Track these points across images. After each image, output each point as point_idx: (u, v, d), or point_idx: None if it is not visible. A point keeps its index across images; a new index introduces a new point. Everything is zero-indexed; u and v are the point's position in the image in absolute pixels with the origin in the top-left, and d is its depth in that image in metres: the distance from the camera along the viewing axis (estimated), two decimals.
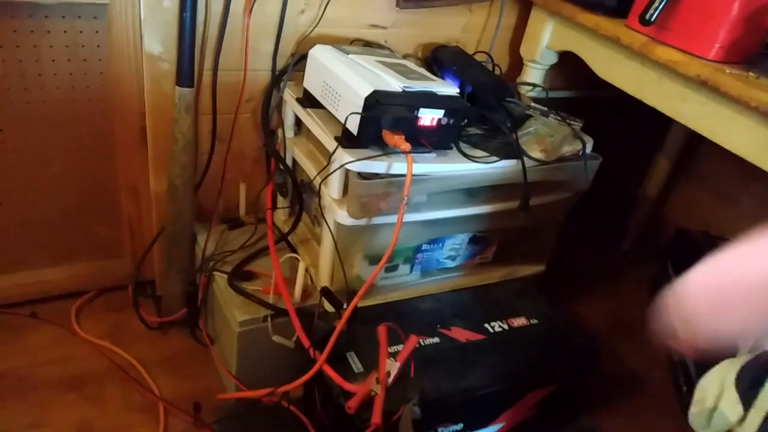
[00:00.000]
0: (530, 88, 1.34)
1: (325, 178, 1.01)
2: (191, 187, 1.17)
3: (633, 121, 1.55)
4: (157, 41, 1.07)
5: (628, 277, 1.77)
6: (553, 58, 1.30)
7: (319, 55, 1.06)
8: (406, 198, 0.92)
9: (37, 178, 1.18)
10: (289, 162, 1.23)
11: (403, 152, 0.93)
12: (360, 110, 0.94)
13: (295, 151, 1.18)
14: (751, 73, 0.89)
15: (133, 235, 1.32)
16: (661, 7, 0.93)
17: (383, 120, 0.93)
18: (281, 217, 1.31)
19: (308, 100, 1.10)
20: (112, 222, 1.30)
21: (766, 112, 0.81)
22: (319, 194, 1.04)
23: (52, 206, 1.23)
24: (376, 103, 0.93)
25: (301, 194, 1.19)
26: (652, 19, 0.93)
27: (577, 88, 1.54)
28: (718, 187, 1.70)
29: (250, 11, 1.10)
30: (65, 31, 1.05)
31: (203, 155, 1.22)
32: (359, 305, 0.99)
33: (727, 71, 0.88)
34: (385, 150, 0.97)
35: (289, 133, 1.21)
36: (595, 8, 1.10)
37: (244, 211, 1.31)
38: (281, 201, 1.31)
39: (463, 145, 1.08)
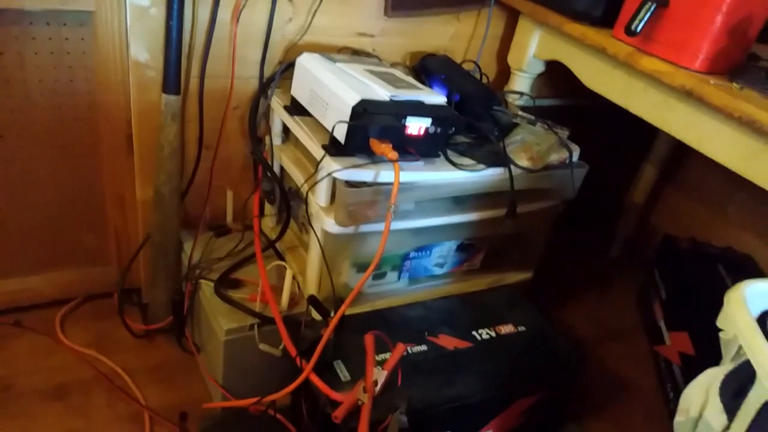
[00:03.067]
0: (518, 96, 1.34)
1: (313, 186, 1.01)
2: (177, 194, 1.17)
3: (620, 129, 1.56)
4: (144, 49, 1.06)
5: (615, 285, 1.77)
6: (540, 67, 1.31)
7: (307, 63, 1.06)
8: (393, 206, 0.92)
9: (22, 186, 1.17)
10: (276, 169, 1.23)
11: (391, 161, 0.93)
12: (347, 119, 0.94)
13: (283, 159, 1.17)
14: (734, 84, 0.89)
15: (119, 242, 1.31)
16: (646, 18, 0.93)
17: (370, 129, 0.93)
18: (269, 224, 1.31)
19: (296, 108, 1.10)
20: (98, 229, 1.29)
21: (750, 122, 0.82)
22: (306, 202, 1.04)
23: (36, 214, 1.21)
24: (363, 111, 0.93)
25: (289, 201, 1.18)
26: (638, 30, 0.94)
27: (565, 96, 1.55)
28: (704, 195, 1.71)
29: (238, 19, 1.10)
30: (50, 38, 1.04)
31: (190, 163, 1.21)
32: (347, 313, 0.98)
33: (712, 82, 0.89)
34: (373, 158, 0.97)
35: (277, 140, 1.20)
36: (582, 18, 1.11)
37: (231, 218, 1.30)
38: (269, 208, 1.30)
39: (450, 153, 1.08)
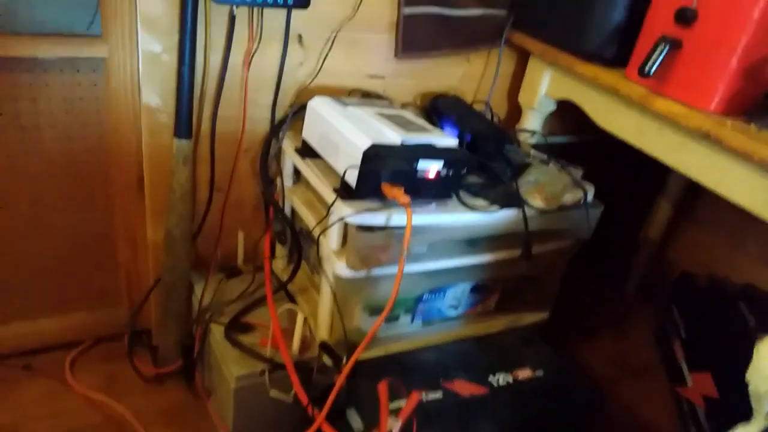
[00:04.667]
0: (529, 134, 1.34)
1: (324, 229, 1.00)
2: (189, 237, 1.16)
3: (633, 163, 1.54)
4: (156, 94, 1.07)
5: (633, 322, 1.73)
6: (551, 106, 1.30)
7: (318, 107, 1.06)
8: (406, 252, 0.91)
9: (34, 228, 1.17)
10: (287, 211, 1.22)
11: (402, 205, 0.91)
12: (359, 163, 0.93)
13: (294, 200, 1.17)
14: (753, 126, 0.88)
15: (130, 284, 1.30)
16: (659, 60, 0.93)
17: (382, 174, 0.92)
18: (280, 265, 1.30)
19: (307, 151, 1.10)
20: (109, 271, 1.29)
21: None
22: (317, 245, 1.03)
23: (48, 256, 1.21)
24: (374, 156, 0.92)
25: (300, 243, 1.17)
26: (652, 72, 0.93)
27: (577, 132, 1.54)
28: (722, 230, 1.68)
29: (249, 64, 1.11)
30: (63, 84, 1.05)
31: (201, 204, 1.21)
32: (360, 358, 0.96)
33: (729, 124, 0.87)
34: (385, 202, 0.96)
35: (288, 182, 1.20)
36: (594, 59, 1.10)
37: (242, 260, 1.29)
38: (280, 249, 1.29)
39: (463, 195, 1.07)
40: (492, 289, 1.23)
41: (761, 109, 0.93)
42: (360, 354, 0.95)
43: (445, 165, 0.99)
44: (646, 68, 0.94)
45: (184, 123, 1.06)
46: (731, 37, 0.87)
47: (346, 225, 0.97)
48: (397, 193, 0.92)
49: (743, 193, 0.89)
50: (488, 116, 1.33)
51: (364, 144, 0.93)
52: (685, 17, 0.92)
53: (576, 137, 1.55)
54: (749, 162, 0.84)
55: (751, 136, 0.84)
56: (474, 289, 1.20)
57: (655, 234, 1.76)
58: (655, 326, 1.68)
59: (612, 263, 1.84)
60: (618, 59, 1.08)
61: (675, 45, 0.94)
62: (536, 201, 1.09)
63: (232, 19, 1.06)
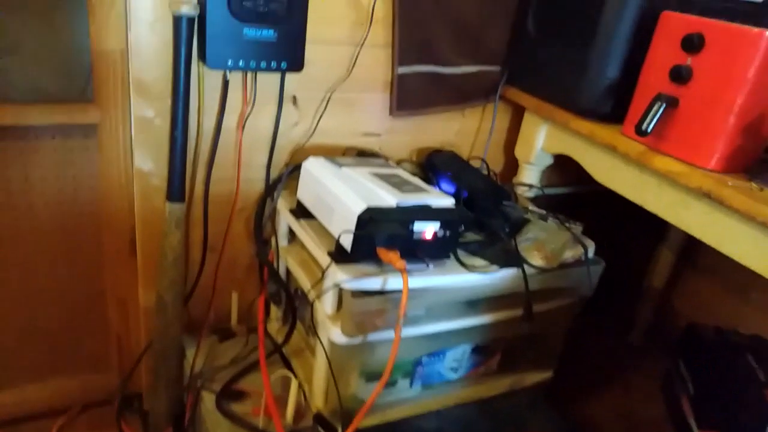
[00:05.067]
0: (527, 188, 1.32)
1: (319, 295, 0.97)
2: (180, 301, 1.13)
3: (633, 212, 1.53)
4: (148, 158, 1.06)
5: (638, 374, 1.69)
6: (548, 160, 1.29)
7: (312, 168, 1.05)
8: (402, 319, 0.88)
9: (22, 292, 1.14)
10: (282, 271, 1.19)
11: (398, 270, 0.89)
12: (353, 227, 0.91)
13: (289, 261, 1.14)
14: (753, 184, 0.86)
15: (121, 348, 1.27)
16: (656, 118, 0.92)
17: (377, 238, 0.90)
18: (275, 326, 1.26)
19: (301, 212, 1.08)
20: (100, 335, 1.25)
21: None
22: (311, 310, 1.00)
23: (37, 321, 1.18)
24: (369, 220, 0.90)
25: (294, 305, 1.14)
26: (649, 130, 0.92)
27: (576, 182, 1.53)
28: (726, 279, 1.65)
29: (243, 127, 1.10)
30: (55, 151, 1.05)
31: (194, 265, 1.19)
32: (357, 428, 0.92)
33: (730, 183, 0.86)
34: (380, 265, 0.94)
35: (283, 242, 1.18)
36: (589, 115, 1.10)
37: (236, 321, 1.26)
38: (275, 310, 1.26)
39: (461, 254, 1.05)
40: (493, 350, 1.19)
41: (761, 166, 0.92)
42: (356, 425, 0.91)
43: (441, 226, 0.97)
44: (643, 126, 0.93)
45: (176, 187, 1.04)
46: (727, 95, 0.87)
47: (341, 290, 0.94)
48: (392, 257, 0.89)
49: (748, 252, 0.87)
50: (485, 171, 1.31)
51: (359, 208, 0.91)
52: (680, 75, 0.92)
53: (575, 188, 1.54)
54: (753, 222, 0.82)
55: (754, 196, 0.83)
56: (475, 351, 1.16)
57: (658, 283, 1.73)
58: (662, 380, 1.63)
59: (615, 313, 1.80)
60: (614, 115, 1.07)
61: (671, 103, 0.93)
62: (536, 259, 1.07)
63: (225, 84, 1.05)
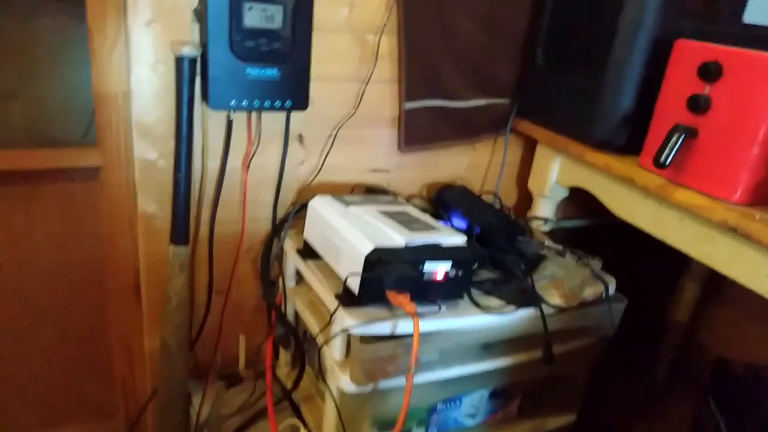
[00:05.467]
0: (542, 222, 1.28)
1: (327, 340, 0.93)
2: (186, 346, 1.10)
3: (655, 243, 1.47)
4: (152, 200, 1.04)
5: (667, 413, 1.61)
6: (563, 193, 1.25)
7: (319, 208, 1.02)
8: (413, 368, 0.83)
9: (26, 339, 1.12)
10: (290, 312, 1.16)
11: (408, 314, 0.85)
12: (361, 268, 0.87)
13: (297, 303, 1.10)
14: None
15: (126, 395, 1.23)
16: (675, 150, 0.88)
17: (386, 280, 0.86)
18: (284, 370, 1.22)
19: (308, 252, 1.05)
20: (105, 382, 1.22)
21: None
22: (319, 357, 0.96)
23: (41, 368, 1.15)
24: (377, 261, 0.86)
25: (303, 349, 1.10)
26: (668, 163, 0.88)
27: (593, 214, 1.48)
28: (755, 312, 1.58)
29: (248, 167, 1.08)
30: (57, 195, 1.03)
31: (200, 308, 1.16)
32: None
33: (757, 217, 0.81)
34: (390, 308, 0.89)
35: (290, 282, 1.14)
36: (604, 147, 1.06)
37: (244, 365, 1.22)
38: (284, 353, 1.22)
39: (475, 293, 1.01)
40: (512, 394, 1.14)
41: None
42: None
43: (453, 265, 0.93)
44: (662, 159, 0.89)
45: (180, 229, 1.02)
46: (749, 124, 0.83)
47: (349, 335, 0.90)
48: (402, 300, 0.85)
49: None
50: (497, 206, 1.28)
51: (366, 248, 0.87)
52: (698, 105, 0.88)
53: (592, 220, 1.49)
54: None
55: None
56: (493, 395, 1.11)
57: (683, 317, 1.66)
58: (692, 419, 1.55)
59: (639, 349, 1.73)
60: (630, 146, 1.03)
61: (690, 133, 0.89)
62: (554, 298, 1.02)
63: (229, 124, 1.04)
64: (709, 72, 0.87)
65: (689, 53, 0.91)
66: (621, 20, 0.99)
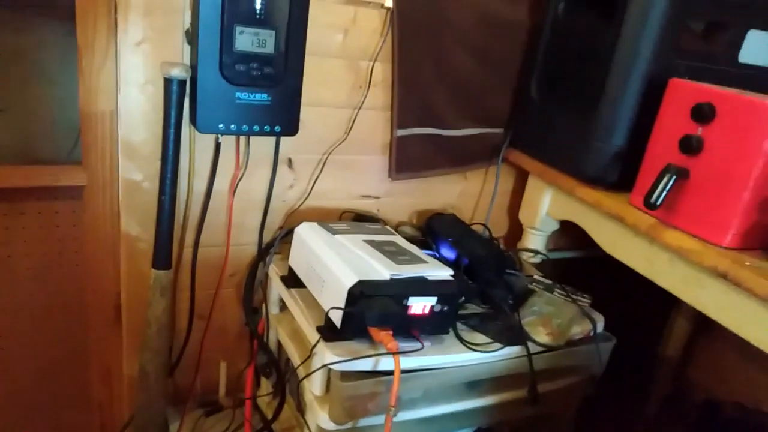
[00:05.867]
0: (532, 254, 1.26)
1: (307, 375, 0.91)
2: (164, 373, 1.07)
3: (645, 278, 1.46)
4: (135, 222, 1.02)
5: None
6: (554, 226, 1.24)
7: (305, 235, 1.00)
8: (393, 410, 0.81)
9: (2, 359, 1.09)
10: (273, 339, 1.13)
11: (390, 351, 0.83)
12: (344, 300, 0.85)
13: (279, 331, 1.08)
14: None
15: (104, 421, 1.20)
16: (666, 190, 0.87)
17: (368, 317, 0.84)
18: (265, 399, 1.19)
19: (293, 280, 1.03)
20: (82, 407, 1.19)
21: None
22: (298, 390, 0.93)
23: (16, 391, 1.12)
24: (360, 294, 0.84)
25: (285, 379, 1.08)
26: (658, 203, 0.87)
27: (584, 247, 1.47)
28: (745, 349, 1.56)
29: (234, 191, 1.06)
30: (40, 213, 1.01)
31: (181, 333, 1.13)
32: None
33: (747, 263, 0.79)
34: (373, 343, 0.87)
35: (274, 309, 1.12)
36: (596, 183, 1.05)
37: (224, 393, 1.19)
38: (265, 381, 1.19)
39: (461, 329, 0.99)
40: None
41: None
42: None
43: (439, 301, 0.91)
44: (653, 199, 0.87)
45: (162, 254, 1.00)
46: (741, 168, 0.82)
47: (329, 370, 0.88)
48: (384, 337, 0.83)
49: None
50: (487, 236, 1.26)
51: (350, 281, 0.85)
52: (690, 146, 0.87)
53: (583, 252, 1.47)
54: None
55: None
56: None
57: (674, 352, 1.64)
58: None
59: (629, 382, 1.70)
60: (622, 183, 1.02)
61: (682, 174, 0.88)
62: (541, 336, 1.00)
63: (217, 146, 1.02)
64: (703, 113, 0.86)
65: (683, 93, 0.90)
66: (615, 57, 0.98)
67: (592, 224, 1.09)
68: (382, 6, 1.06)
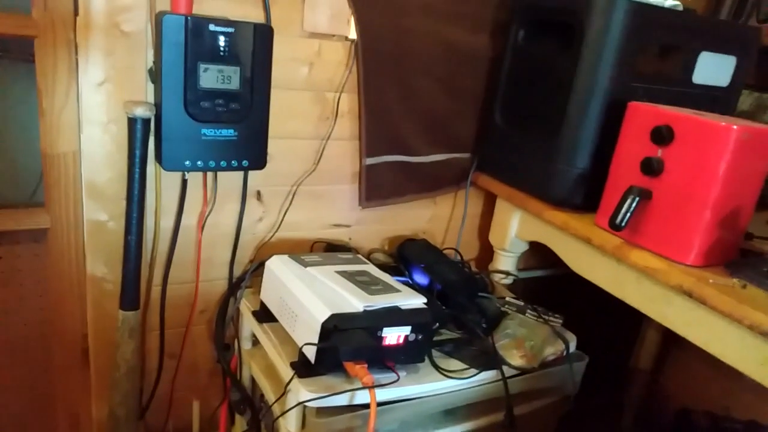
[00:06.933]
0: (504, 275, 1.28)
1: (283, 413, 0.89)
2: (135, 416, 1.04)
3: None
4: (101, 263, 1.00)
5: None
6: (523, 246, 1.25)
7: (276, 269, 0.99)
8: None
9: None
10: (246, 375, 1.11)
11: (365, 385, 0.82)
12: (317, 335, 0.85)
13: (253, 367, 1.07)
14: (735, 281, 0.82)
15: None
16: (630, 212, 0.89)
17: (342, 351, 0.83)
18: None
19: (265, 315, 1.02)
20: None
21: (763, 332, 0.73)
22: (273, 427, 0.92)
23: None
24: (334, 329, 0.84)
25: (259, 416, 1.06)
26: (623, 224, 0.89)
27: (554, 265, 1.49)
28: (715, 359, 1.59)
29: (203, 226, 1.05)
30: (1, 257, 0.98)
31: (151, 373, 1.11)
32: None
33: (711, 281, 0.82)
34: (348, 376, 0.87)
35: (246, 345, 1.10)
36: (562, 205, 1.07)
37: None
38: (240, 418, 1.17)
39: (436, 355, 0.99)
40: None
41: (742, 259, 0.88)
42: None
43: (413, 330, 0.91)
44: (617, 220, 0.89)
45: (130, 294, 0.98)
46: (701, 189, 0.84)
47: (305, 407, 0.87)
48: (359, 371, 0.83)
49: (736, 354, 0.82)
50: (458, 260, 1.27)
51: (323, 315, 0.85)
52: (651, 168, 0.89)
53: (553, 270, 1.49)
54: (740, 324, 0.77)
55: (737, 295, 0.78)
56: None
57: (646, 364, 1.67)
58: None
59: (602, 395, 1.72)
60: (588, 204, 1.04)
61: (645, 195, 0.90)
62: (515, 359, 1.00)
63: (184, 183, 1.01)
64: (662, 136, 0.89)
65: (642, 116, 0.93)
66: (575, 82, 1.01)
67: (561, 246, 1.10)
68: (346, 38, 1.07)
